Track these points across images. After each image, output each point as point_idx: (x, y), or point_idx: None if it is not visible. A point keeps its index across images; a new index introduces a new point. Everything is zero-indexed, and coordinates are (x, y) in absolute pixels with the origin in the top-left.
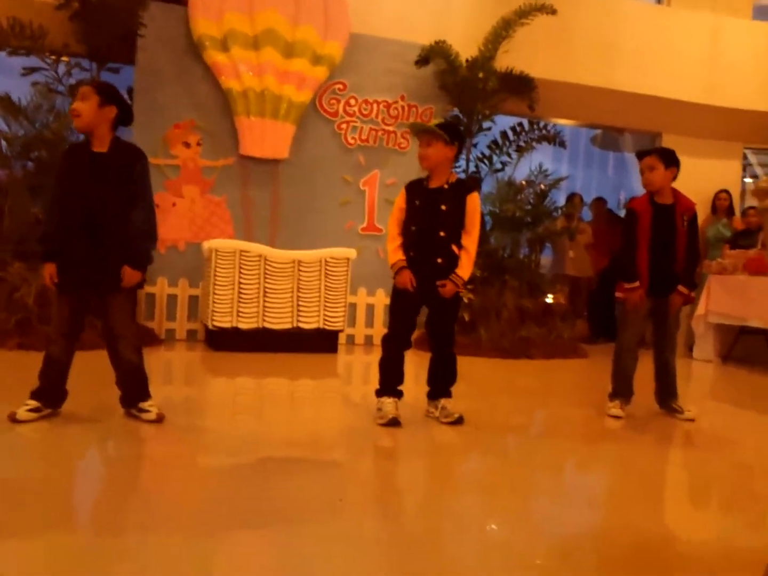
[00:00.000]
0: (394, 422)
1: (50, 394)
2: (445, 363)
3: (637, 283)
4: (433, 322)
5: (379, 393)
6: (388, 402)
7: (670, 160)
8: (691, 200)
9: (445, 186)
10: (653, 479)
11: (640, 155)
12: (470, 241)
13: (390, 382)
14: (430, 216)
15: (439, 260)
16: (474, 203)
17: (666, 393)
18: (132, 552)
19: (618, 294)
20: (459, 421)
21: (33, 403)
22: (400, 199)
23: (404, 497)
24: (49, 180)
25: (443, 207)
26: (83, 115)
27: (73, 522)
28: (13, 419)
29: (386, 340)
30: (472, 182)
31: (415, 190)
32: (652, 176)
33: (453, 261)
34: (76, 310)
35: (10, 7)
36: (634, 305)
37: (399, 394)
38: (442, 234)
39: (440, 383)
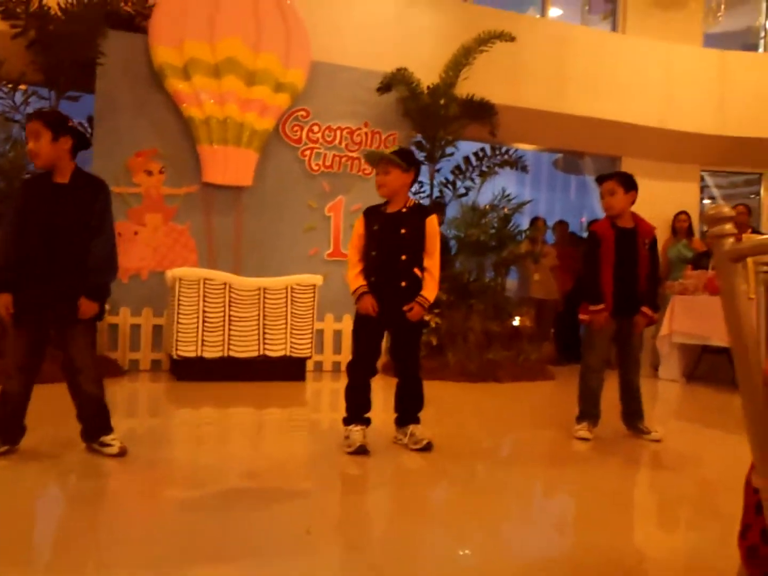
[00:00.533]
0: (362, 450)
1: (8, 430)
2: (412, 389)
3: (602, 306)
4: (398, 348)
5: (347, 421)
6: (356, 430)
7: (630, 185)
8: (650, 224)
9: (404, 210)
10: (621, 500)
11: (600, 179)
12: (432, 263)
13: (357, 410)
14: (390, 240)
15: (403, 284)
16: (433, 226)
17: (632, 414)
18: None
19: (582, 316)
20: (428, 447)
21: None
22: (358, 226)
23: (372, 527)
24: (6, 210)
25: (403, 230)
26: (41, 154)
27: (32, 562)
28: None
29: (351, 367)
30: (434, 207)
31: (373, 215)
32: (612, 200)
33: (416, 284)
34: (34, 343)
35: None
36: (600, 327)
37: (366, 422)
38: (403, 258)
39: (408, 409)
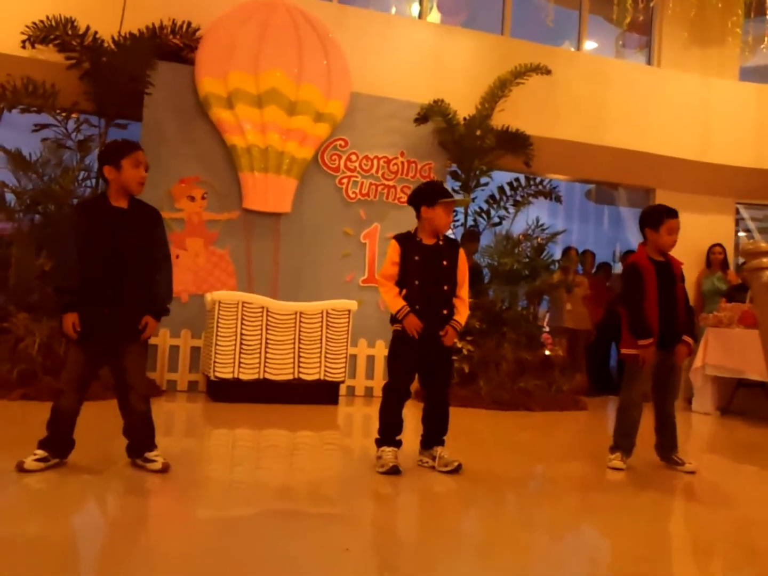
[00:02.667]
0: (394, 470)
1: (58, 444)
2: (442, 411)
3: (651, 339)
4: (432, 372)
5: (380, 443)
6: (388, 451)
7: None
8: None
9: (441, 243)
10: (655, 533)
11: (675, 214)
12: (465, 291)
13: (390, 432)
14: (433, 271)
15: (445, 311)
16: (464, 258)
17: (667, 445)
18: None
19: (625, 351)
20: (457, 469)
21: (41, 453)
22: (393, 254)
23: (407, 548)
24: (59, 233)
25: (444, 263)
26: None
27: (77, 571)
28: (21, 469)
29: (388, 390)
30: (466, 235)
31: (410, 246)
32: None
33: (453, 312)
34: (90, 362)
35: (23, 67)
36: (649, 361)
37: (398, 444)
38: (446, 288)
39: (436, 431)
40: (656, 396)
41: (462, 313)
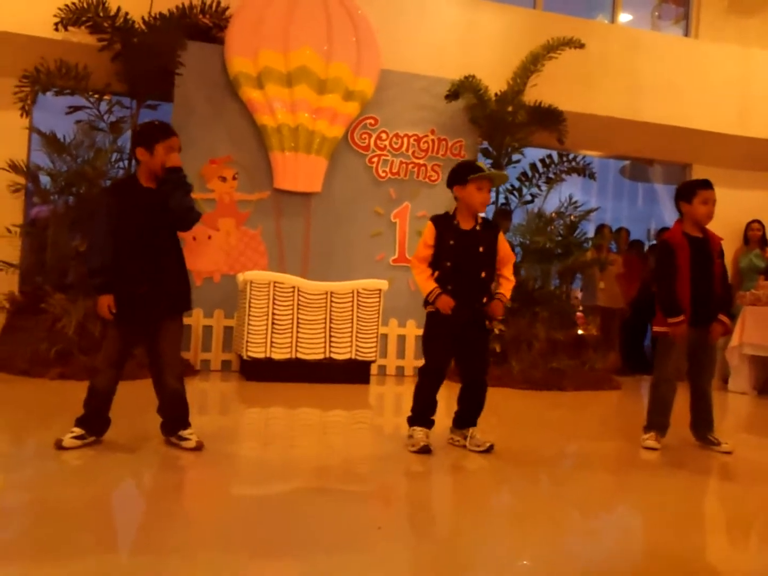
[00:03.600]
0: (425, 450)
1: (94, 422)
2: (479, 392)
3: (682, 317)
4: (470, 353)
5: (412, 421)
6: (419, 430)
7: None
8: (717, 235)
9: (478, 227)
10: (689, 511)
11: (710, 185)
12: (509, 271)
13: (423, 412)
14: (470, 257)
15: (484, 299)
16: (503, 240)
17: (702, 425)
18: (170, 573)
19: (658, 328)
20: (490, 449)
21: (77, 431)
22: (428, 236)
23: (439, 525)
24: (91, 214)
25: (481, 248)
26: None
27: (115, 544)
28: (59, 446)
29: (424, 372)
30: (498, 214)
31: (446, 229)
32: (713, 209)
33: (491, 299)
34: (126, 341)
35: (56, 50)
36: (681, 339)
37: (431, 424)
38: (483, 275)
39: (470, 412)
40: (692, 374)
41: (506, 288)
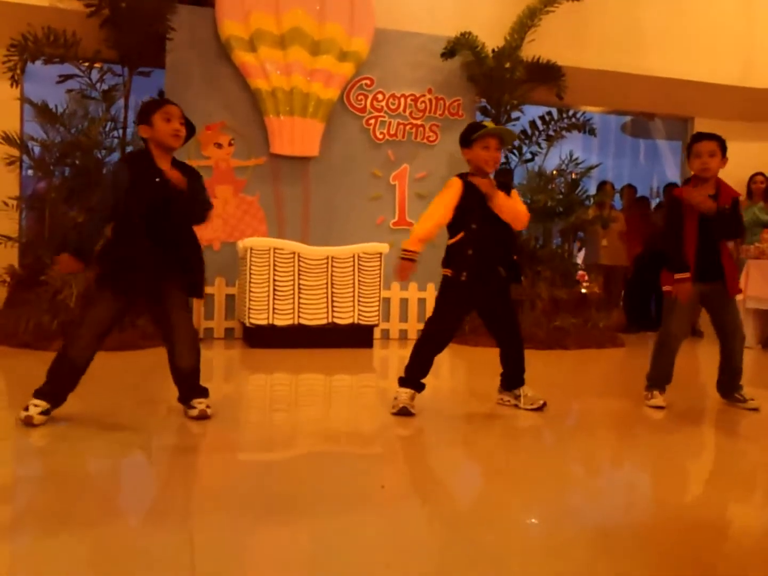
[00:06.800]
0: (404, 411)
1: (61, 394)
2: (519, 352)
3: (687, 274)
4: (497, 316)
5: (402, 382)
6: (405, 392)
7: (725, 151)
8: (734, 190)
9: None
10: (698, 467)
11: (700, 137)
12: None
13: (416, 374)
14: (491, 218)
15: (501, 268)
16: (518, 197)
17: (728, 384)
18: (179, 536)
19: (665, 287)
20: (543, 407)
21: (43, 404)
22: (456, 192)
23: (444, 485)
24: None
25: None
26: (183, 137)
27: (123, 511)
28: (29, 423)
29: (430, 334)
30: (500, 173)
31: (471, 189)
32: (711, 162)
33: (511, 264)
34: (118, 314)
35: (43, 17)
36: (684, 296)
37: (421, 387)
38: (503, 237)
39: (516, 373)
40: (718, 333)
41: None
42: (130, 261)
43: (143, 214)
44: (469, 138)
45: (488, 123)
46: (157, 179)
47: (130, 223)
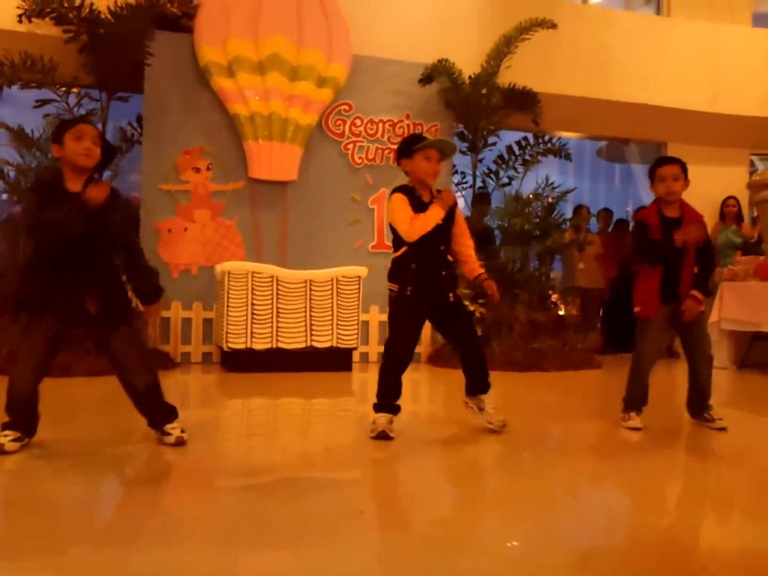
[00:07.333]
0: (383, 435)
1: (28, 423)
2: (479, 358)
3: (655, 298)
4: (452, 326)
5: (377, 408)
6: (382, 416)
7: (687, 173)
8: (699, 213)
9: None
10: (675, 489)
11: (663, 162)
12: (469, 238)
13: (388, 397)
14: (432, 231)
15: (443, 273)
16: (459, 213)
17: (697, 404)
18: (153, 564)
19: (636, 309)
20: (501, 428)
21: (12, 434)
22: (405, 205)
23: (425, 509)
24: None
25: (440, 222)
26: (95, 157)
27: (96, 539)
28: (2, 451)
29: (390, 353)
30: (480, 199)
31: (413, 201)
32: (675, 185)
33: (452, 270)
34: (54, 342)
35: (21, 42)
36: (651, 318)
37: (396, 410)
38: (442, 248)
39: (478, 379)
40: (686, 355)
41: (477, 261)
42: (38, 304)
43: (52, 248)
44: (410, 148)
45: (427, 134)
46: (66, 202)
47: (39, 260)
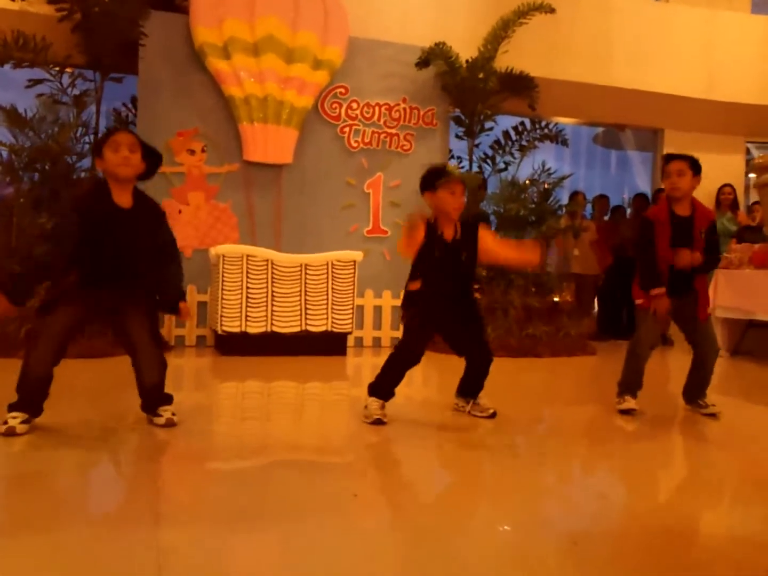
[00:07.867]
0: (378, 422)
1: (37, 404)
2: (485, 369)
3: (662, 289)
4: (464, 336)
5: (371, 391)
6: (374, 401)
7: (698, 169)
8: (710, 210)
9: (458, 236)
10: (667, 474)
11: (669, 158)
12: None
13: (386, 387)
14: (451, 268)
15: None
16: (484, 233)
17: (694, 391)
18: (145, 544)
19: (638, 301)
20: (493, 415)
21: (21, 415)
22: (419, 235)
23: (417, 493)
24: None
25: (464, 255)
26: (135, 165)
27: (90, 518)
28: (11, 433)
29: (400, 353)
30: (478, 217)
31: (433, 237)
32: (680, 181)
33: (471, 296)
34: (77, 325)
35: (13, 21)
36: (663, 309)
37: (389, 396)
38: (465, 277)
39: (475, 387)
40: (693, 344)
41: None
42: (73, 295)
43: (107, 260)
44: (433, 183)
45: (451, 168)
46: (112, 213)
47: (88, 266)
